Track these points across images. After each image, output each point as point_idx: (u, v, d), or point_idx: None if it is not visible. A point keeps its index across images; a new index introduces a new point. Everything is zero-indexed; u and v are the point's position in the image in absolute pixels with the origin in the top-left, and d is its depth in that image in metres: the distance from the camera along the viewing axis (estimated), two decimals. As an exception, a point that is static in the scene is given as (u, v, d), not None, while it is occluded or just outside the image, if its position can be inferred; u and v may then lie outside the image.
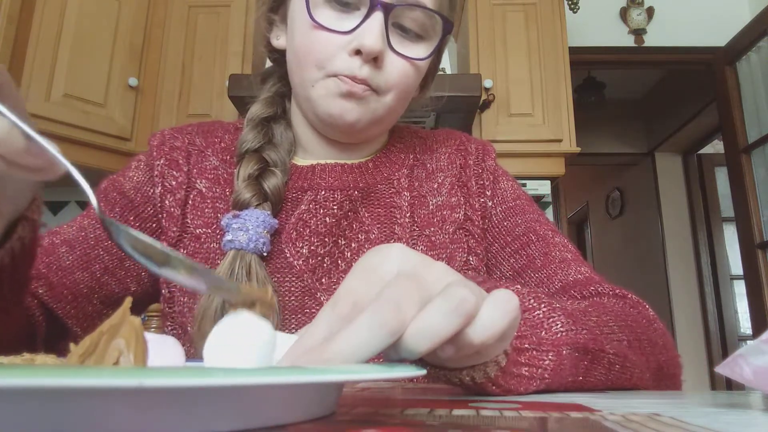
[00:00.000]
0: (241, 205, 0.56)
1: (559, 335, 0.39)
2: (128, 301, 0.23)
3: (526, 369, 0.36)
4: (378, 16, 0.53)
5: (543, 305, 0.40)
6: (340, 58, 0.55)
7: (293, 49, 0.59)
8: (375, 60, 0.55)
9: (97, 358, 0.21)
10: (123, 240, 0.25)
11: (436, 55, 0.64)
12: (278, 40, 0.64)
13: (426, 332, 0.25)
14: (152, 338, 0.25)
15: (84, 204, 2.32)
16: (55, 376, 0.14)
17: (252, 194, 0.56)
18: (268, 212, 0.56)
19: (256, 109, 0.63)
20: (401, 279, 0.26)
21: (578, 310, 0.44)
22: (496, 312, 0.27)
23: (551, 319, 0.39)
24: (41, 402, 0.17)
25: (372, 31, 0.53)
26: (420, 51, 0.58)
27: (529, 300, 0.40)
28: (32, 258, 0.45)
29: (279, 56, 0.65)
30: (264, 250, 0.55)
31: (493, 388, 0.35)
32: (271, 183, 0.58)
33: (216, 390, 0.19)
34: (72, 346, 0.22)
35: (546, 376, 0.37)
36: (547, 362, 0.37)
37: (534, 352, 0.37)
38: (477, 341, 0.27)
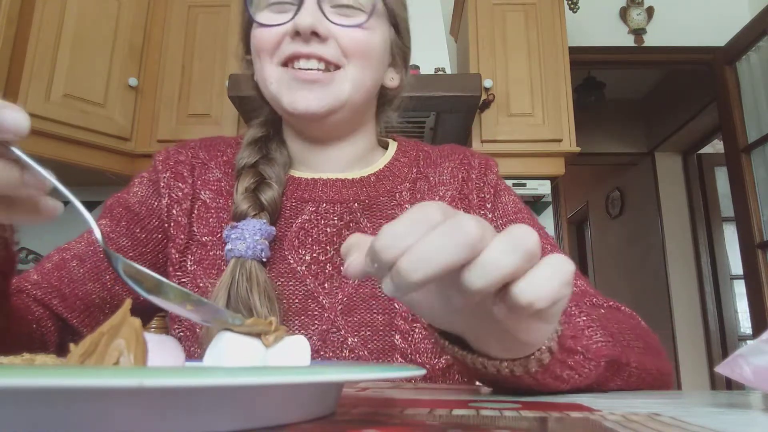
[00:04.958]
0: (239, 216, 0.59)
1: (599, 345, 0.39)
2: (128, 303, 0.23)
3: (568, 372, 0.36)
4: (310, 1, 0.58)
5: (583, 314, 0.41)
6: (285, 44, 0.58)
7: (253, 54, 0.62)
8: (317, 36, 0.57)
9: (97, 359, 0.21)
10: (120, 268, 0.26)
11: (398, 31, 0.65)
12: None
13: (423, 258, 0.24)
14: (152, 338, 0.25)
15: (88, 204, 2.31)
16: (55, 376, 0.14)
17: (249, 205, 0.59)
18: (265, 221, 0.58)
19: (252, 132, 0.67)
20: None
21: (603, 318, 0.45)
22: (559, 258, 0.26)
23: (591, 329, 0.40)
24: (41, 402, 0.17)
25: (303, 11, 0.57)
26: (360, 20, 0.59)
27: (570, 306, 0.40)
28: (7, 274, 0.45)
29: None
30: (263, 256, 0.57)
31: (529, 380, 0.34)
32: (267, 195, 0.60)
33: (216, 390, 0.19)
34: (72, 346, 0.22)
35: (578, 383, 0.38)
36: (587, 370, 0.38)
37: (581, 357, 0.37)
38: (554, 283, 0.25)
